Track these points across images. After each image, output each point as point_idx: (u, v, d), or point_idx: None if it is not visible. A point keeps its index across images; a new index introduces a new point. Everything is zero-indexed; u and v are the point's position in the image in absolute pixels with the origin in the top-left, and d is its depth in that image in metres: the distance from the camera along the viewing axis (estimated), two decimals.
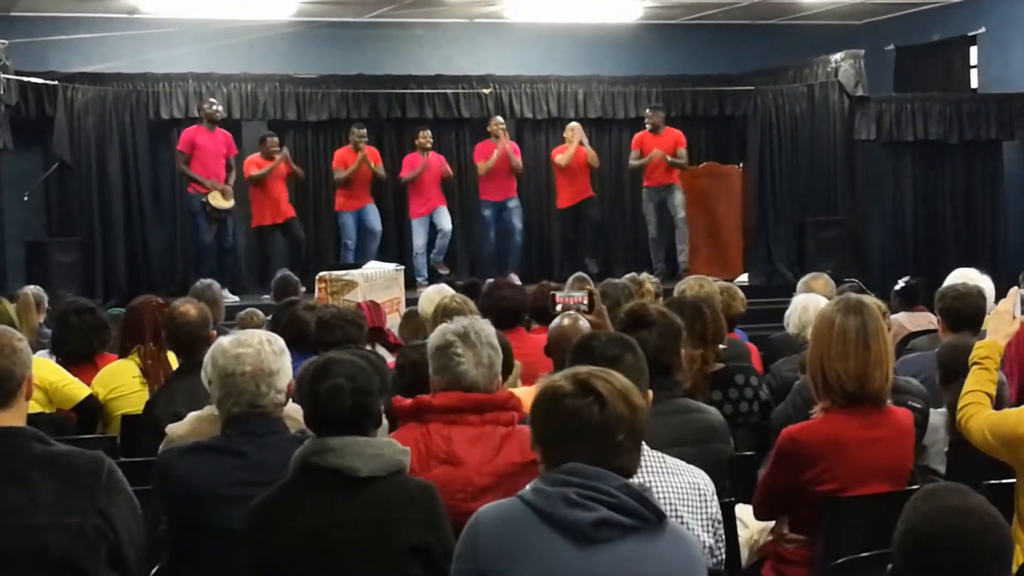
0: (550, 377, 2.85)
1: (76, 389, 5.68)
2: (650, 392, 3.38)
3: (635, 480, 2.97)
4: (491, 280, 8.13)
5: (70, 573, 3.12)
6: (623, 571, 2.64)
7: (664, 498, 3.24)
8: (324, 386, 3.31)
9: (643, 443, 3.27)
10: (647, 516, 2.68)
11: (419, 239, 13.19)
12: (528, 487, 2.72)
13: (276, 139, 12.79)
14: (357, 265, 11.25)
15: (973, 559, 2.41)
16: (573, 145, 13.22)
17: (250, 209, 12.76)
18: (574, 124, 13.56)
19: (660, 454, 3.34)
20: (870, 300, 4.29)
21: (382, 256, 12.40)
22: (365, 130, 13.07)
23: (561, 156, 13.27)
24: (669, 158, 13.02)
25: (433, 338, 3.98)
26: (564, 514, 2.63)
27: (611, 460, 2.69)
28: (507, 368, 4.42)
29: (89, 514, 3.13)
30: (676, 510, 3.26)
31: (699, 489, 3.33)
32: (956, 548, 2.41)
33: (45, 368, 5.61)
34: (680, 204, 13.17)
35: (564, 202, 13.48)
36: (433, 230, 13.22)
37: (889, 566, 2.54)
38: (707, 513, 3.32)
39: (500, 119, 13.51)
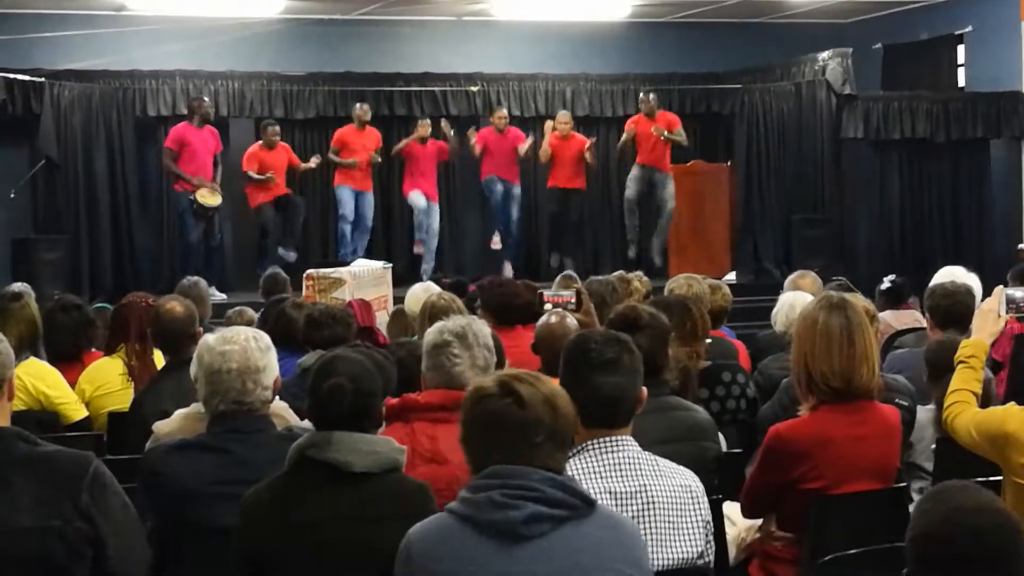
0: (481, 380, 2.88)
1: (71, 410, 5.54)
2: (644, 390, 3.37)
3: (632, 482, 2.98)
4: (509, 276, 8.24)
5: None
6: (558, 562, 2.67)
7: (658, 501, 3.24)
8: (326, 384, 3.31)
9: (637, 439, 3.31)
10: (575, 504, 2.72)
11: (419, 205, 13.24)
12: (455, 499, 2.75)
13: (277, 127, 12.77)
14: (350, 255, 11.28)
15: (988, 557, 2.39)
16: (547, 138, 13.32)
17: (246, 195, 12.72)
18: (564, 113, 13.63)
19: (653, 456, 3.33)
20: (853, 298, 4.29)
21: (370, 252, 12.40)
22: (368, 106, 13.10)
23: (542, 152, 13.36)
24: (667, 133, 13.00)
25: (430, 335, 3.98)
26: (492, 517, 2.66)
27: (531, 461, 2.71)
28: (499, 366, 4.41)
29: (71, 516, 3.04)
30: (669, 513, 3.26)
31: (691, 491, 3.32)
32: (970, 547, 2.38)
33: (43, 380, 5.50)
34: (671, 196, 13.17)
35: (553, 181, 13.49)
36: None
37: (904, 571, 2.49)
38: (699, 515, 3.32)
39: (504, 111, 13.60)
